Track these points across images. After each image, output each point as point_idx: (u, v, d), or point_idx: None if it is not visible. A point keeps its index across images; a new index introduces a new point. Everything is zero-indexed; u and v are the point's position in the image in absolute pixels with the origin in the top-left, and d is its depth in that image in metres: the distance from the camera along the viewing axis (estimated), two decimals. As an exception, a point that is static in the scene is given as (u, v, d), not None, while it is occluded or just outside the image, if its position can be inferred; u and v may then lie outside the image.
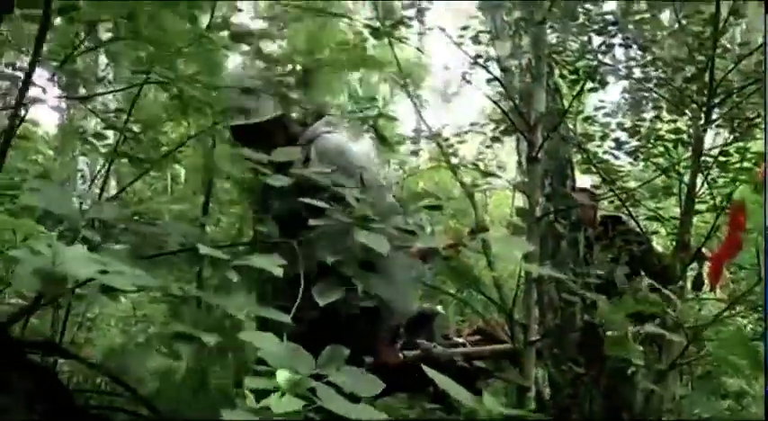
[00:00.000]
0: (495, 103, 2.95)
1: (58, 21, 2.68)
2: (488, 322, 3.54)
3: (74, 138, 3.92)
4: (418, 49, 3.94)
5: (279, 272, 1.37)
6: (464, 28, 2.61)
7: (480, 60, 2.61)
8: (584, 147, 3.24)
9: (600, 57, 3.45)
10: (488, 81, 2.68)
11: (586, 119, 3.37)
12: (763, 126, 2.91)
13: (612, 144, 3.49)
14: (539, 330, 2.57)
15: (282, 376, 1.03)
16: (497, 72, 3.14)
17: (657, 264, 3.33)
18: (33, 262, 1.05)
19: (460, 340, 3.22)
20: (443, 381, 1.50)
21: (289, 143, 2.25)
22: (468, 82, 3.44)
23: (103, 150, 3.67)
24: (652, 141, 3.33)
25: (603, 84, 3.71)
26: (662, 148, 3.28)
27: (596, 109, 3.84)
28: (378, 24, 2.84)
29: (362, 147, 2.83)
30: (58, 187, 1.48)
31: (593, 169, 3.37)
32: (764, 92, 2.53)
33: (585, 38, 3.49)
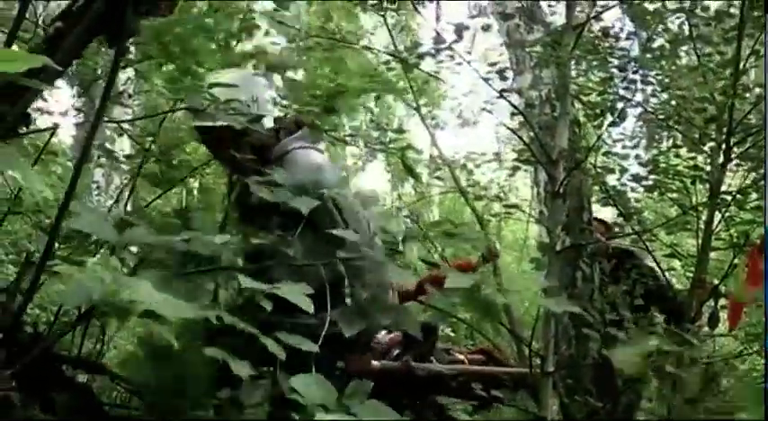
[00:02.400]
0: (516, 134, 3.01)
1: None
2: (493, 344, 3.56)
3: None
4: (437, 76, 3.99)
5: (309, 308, 1.40)
6: (492, 64, 2.67)
7: (505, 93, 2.66)
8: (602, 181, 3.29)
9: (621, 92, 3.51)
10: (512, 114, 2.74)
11: (606, 153, 3.42)
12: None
13: (630, 177, 3.53)
14: (554, 360, 2.60)
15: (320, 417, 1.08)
16: (516, 103, 3.20)
17: (671, 300, 3.35)
18: (98, 289, 1.11)
19: (460, 357, 3.19)
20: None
21: (257, 153, 2.13)
22: (490, 112, 3.52)
23: (125, 167, 3.75)
24: (670, 176, 3.37)
25: (623, 118, 3.77)
26: (680, 183, 3.33)
27: (614, 141, 3.90)
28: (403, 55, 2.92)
29: (337, 168, 2.70)
30: (97, 211, 1.53)
31: (611, 202, 3.41)
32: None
33: (606, 74, 3.55)
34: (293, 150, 2.15)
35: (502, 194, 3.34)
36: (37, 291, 1.92)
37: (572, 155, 3.08)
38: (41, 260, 1.18)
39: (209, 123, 2.09)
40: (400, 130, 3.85)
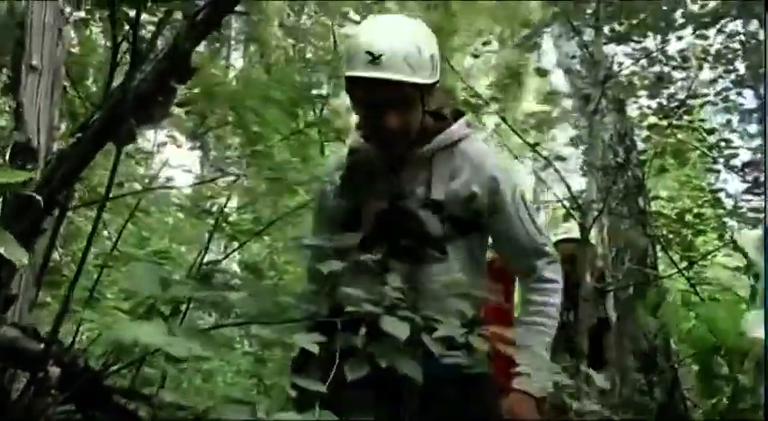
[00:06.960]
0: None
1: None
2: None
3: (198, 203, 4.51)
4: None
5: (315, 349, 1.35)
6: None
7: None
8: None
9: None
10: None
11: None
12: None
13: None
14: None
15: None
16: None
17: None
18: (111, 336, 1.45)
19: None
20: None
21: (416, 135, 1.69)
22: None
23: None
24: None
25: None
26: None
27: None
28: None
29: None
30: (153, 269, 1.82)
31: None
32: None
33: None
34: (468, 136, 1.73)
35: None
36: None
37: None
38: (65, 299, 1.51)
39: (400, 77, 1.55)
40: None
